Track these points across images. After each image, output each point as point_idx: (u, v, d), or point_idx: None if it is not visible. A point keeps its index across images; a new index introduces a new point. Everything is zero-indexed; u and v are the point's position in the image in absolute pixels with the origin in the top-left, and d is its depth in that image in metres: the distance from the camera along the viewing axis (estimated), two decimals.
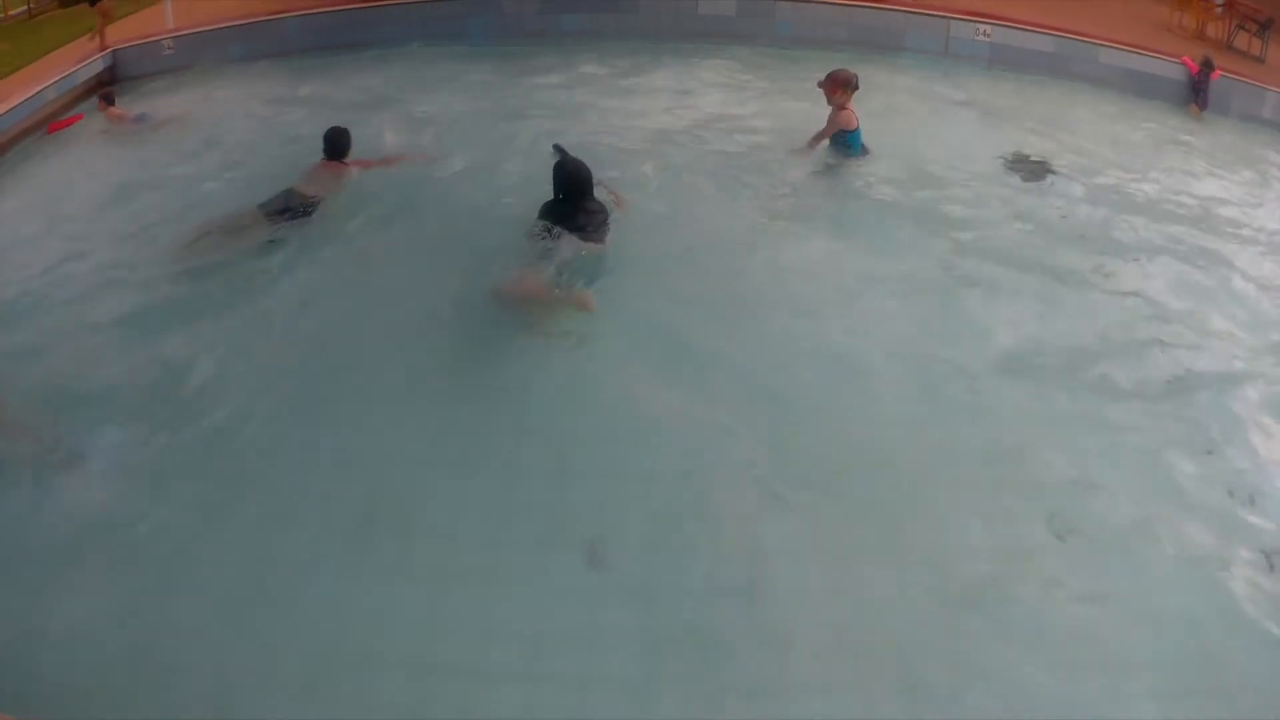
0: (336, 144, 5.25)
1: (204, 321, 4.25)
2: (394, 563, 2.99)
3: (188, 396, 3.79)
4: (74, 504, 3.28)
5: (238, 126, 6.83)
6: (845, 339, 4.02)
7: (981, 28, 7.60)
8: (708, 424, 3.46)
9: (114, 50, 7.65)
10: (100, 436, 3.59)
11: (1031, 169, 5.98)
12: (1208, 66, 7.71)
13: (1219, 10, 9.44)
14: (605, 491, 3.23)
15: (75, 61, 7.95)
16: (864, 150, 5.54)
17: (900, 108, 6.72)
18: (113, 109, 7.05)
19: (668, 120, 6.34)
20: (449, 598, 2.87)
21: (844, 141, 5.47)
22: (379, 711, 2.59)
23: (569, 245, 4.10)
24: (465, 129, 6.25)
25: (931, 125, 6.53)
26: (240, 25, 8.78)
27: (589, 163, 4.46)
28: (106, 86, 7.68)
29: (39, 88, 7.55)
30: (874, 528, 3.10)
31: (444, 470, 3.34)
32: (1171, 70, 7.87)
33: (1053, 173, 5.93)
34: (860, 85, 5.37)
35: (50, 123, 7.34)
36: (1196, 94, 7.71)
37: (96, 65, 8.24)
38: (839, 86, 5.40)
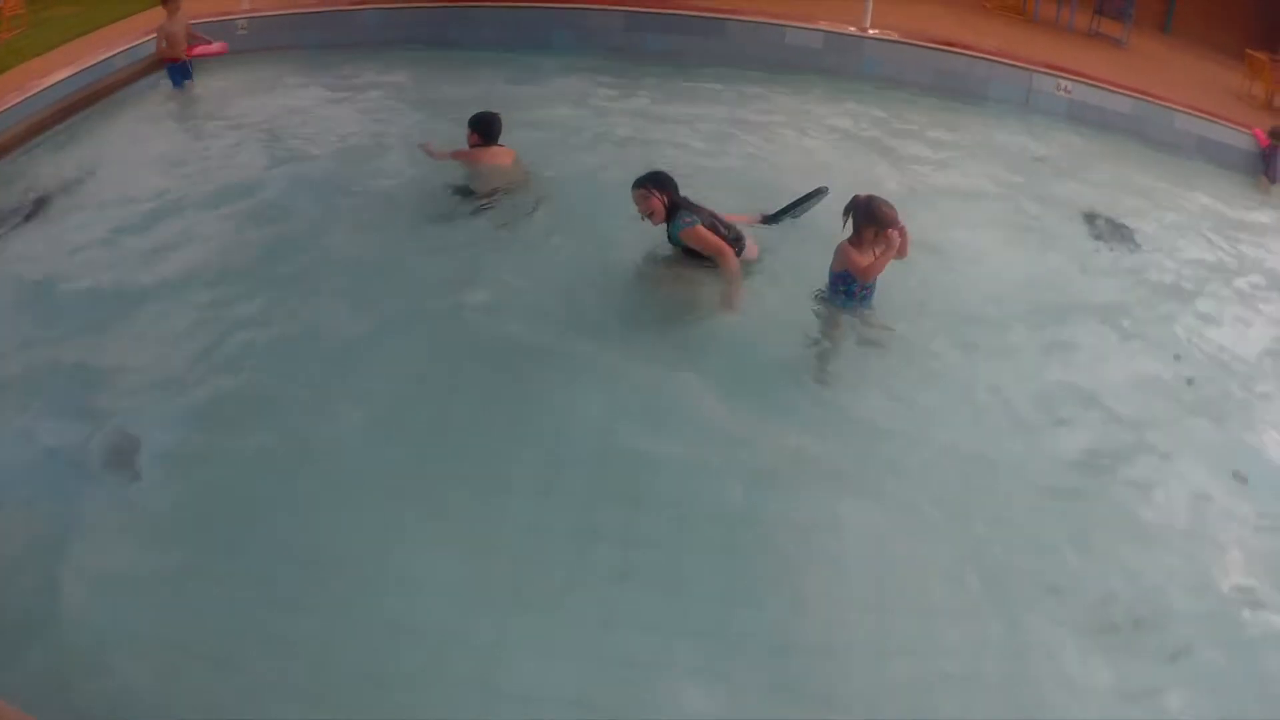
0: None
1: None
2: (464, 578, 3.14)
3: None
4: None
5: (299, 116, 7.15)
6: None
7: (1063, 83, 7.92)
8: None
9: (187, 24, 7.91)
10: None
11: (1106, 227, 6.28)
12: (1277, 137, 8.02)
13: None
14: None
15: (144, 33, 8.17)
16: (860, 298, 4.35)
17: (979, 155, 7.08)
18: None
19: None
20: None
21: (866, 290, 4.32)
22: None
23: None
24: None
25: (1009, 177, 6.83)
26: (318, 13, 9.06)
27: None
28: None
29: (108, 54, 7.87)
30: None
31: None
32: (1242, 140, 8.18)
33: (1127, 231, 6.22)
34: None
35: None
36: (1267, 165, 8.00)
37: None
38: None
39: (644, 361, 4.09)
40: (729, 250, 4.32)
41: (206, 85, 7.87)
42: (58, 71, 7.45)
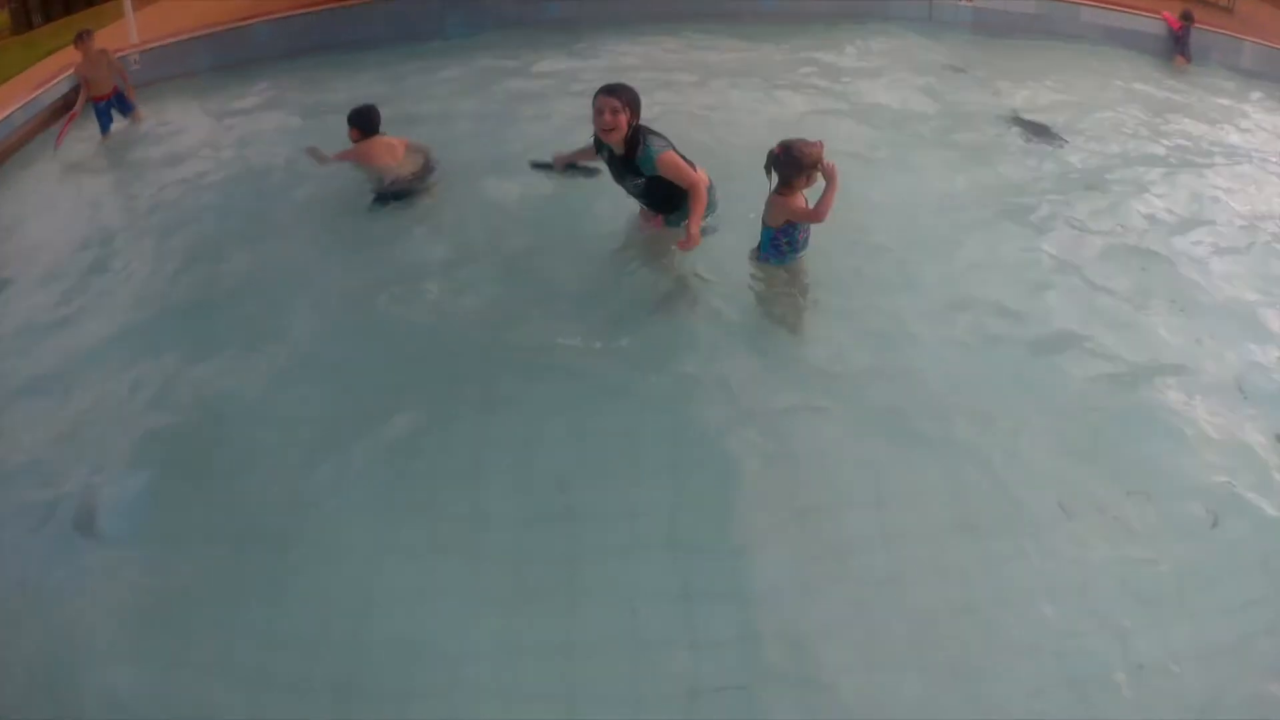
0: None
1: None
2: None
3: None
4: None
5: (211, 140, 6.91)
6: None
7: None
8: None
9: (77, 69, 7.67)
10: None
11: (1031, 128, 6.31)
12: (1188, 19, 8.11)
13: None
14: None
15: (37, 86, 7.90)
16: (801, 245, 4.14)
17: (891, 73, 7.09)
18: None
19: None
20: None
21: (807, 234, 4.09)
22: None
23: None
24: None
25: (928, 89, 6.85)
26: (206, 35, 8.81)
27: None
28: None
29: (4, 113, 7.60)
30: None
31: None
32: (1152, 25, 8.26)
33: (1052, 131, 6.25)
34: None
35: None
36: (1180, 46, 8.09)
37: (61, 86, 8.25)
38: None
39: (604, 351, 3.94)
40: (702, 182, 3.88)
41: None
42: None
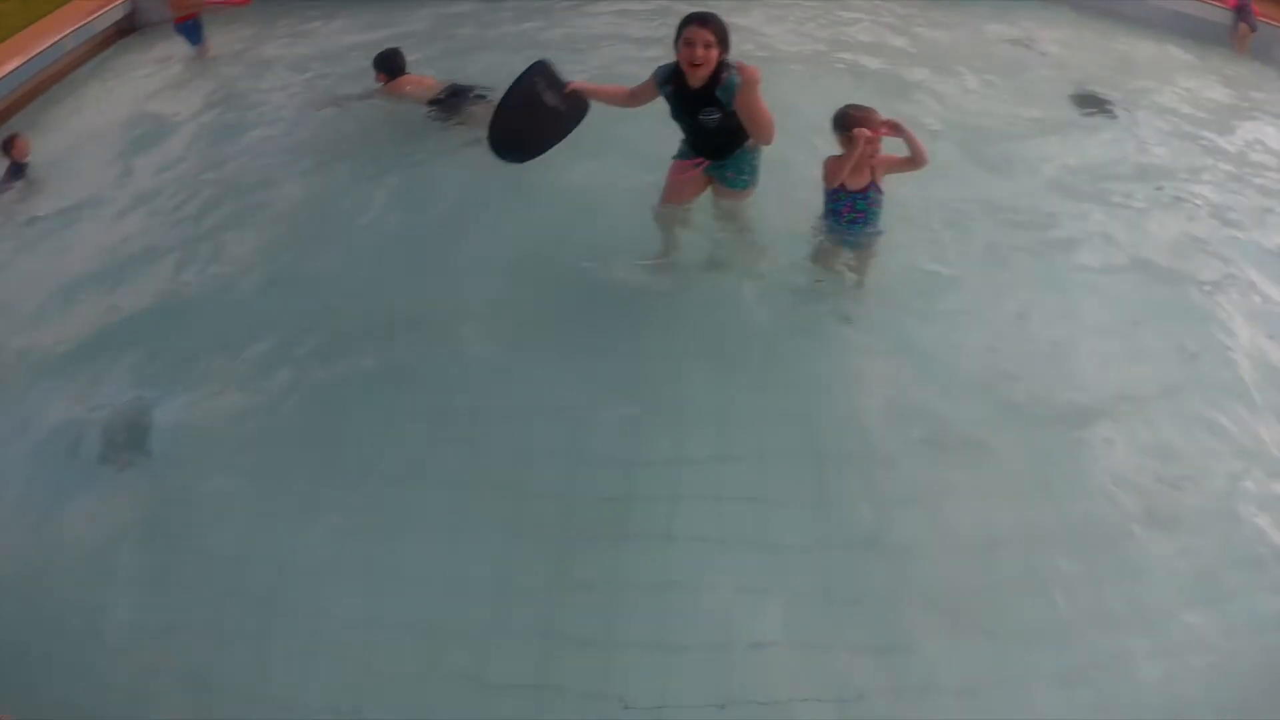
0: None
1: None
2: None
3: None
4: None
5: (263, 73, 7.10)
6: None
7: None
8: None
9: None
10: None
11: (1093, 105, 6.31)
12: None
13: None
14: None
15: (92, 11, 8.07)
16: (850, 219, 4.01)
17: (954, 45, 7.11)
18: None
19: None
20: None
21: (879, 204, 3.97)
22: None
23: None
24: None
25: (990, 63, 6.85)
26: None
27: None
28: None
29: (57, 37, 7.70)
30: None
31: None
32: (1214, 14, 8.21)
33: (1113, 108, 6.25)
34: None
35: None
36: (1242, 15, 8.01)
37: (115, 13, 8.34)
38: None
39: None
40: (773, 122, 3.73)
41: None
42: (6, 63, 7.28)
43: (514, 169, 4.13)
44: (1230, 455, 3.44)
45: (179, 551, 3.19)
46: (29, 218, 5.38)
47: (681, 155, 4.15)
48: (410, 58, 5.99)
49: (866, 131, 3.71)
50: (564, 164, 4.44)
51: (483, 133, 4.11)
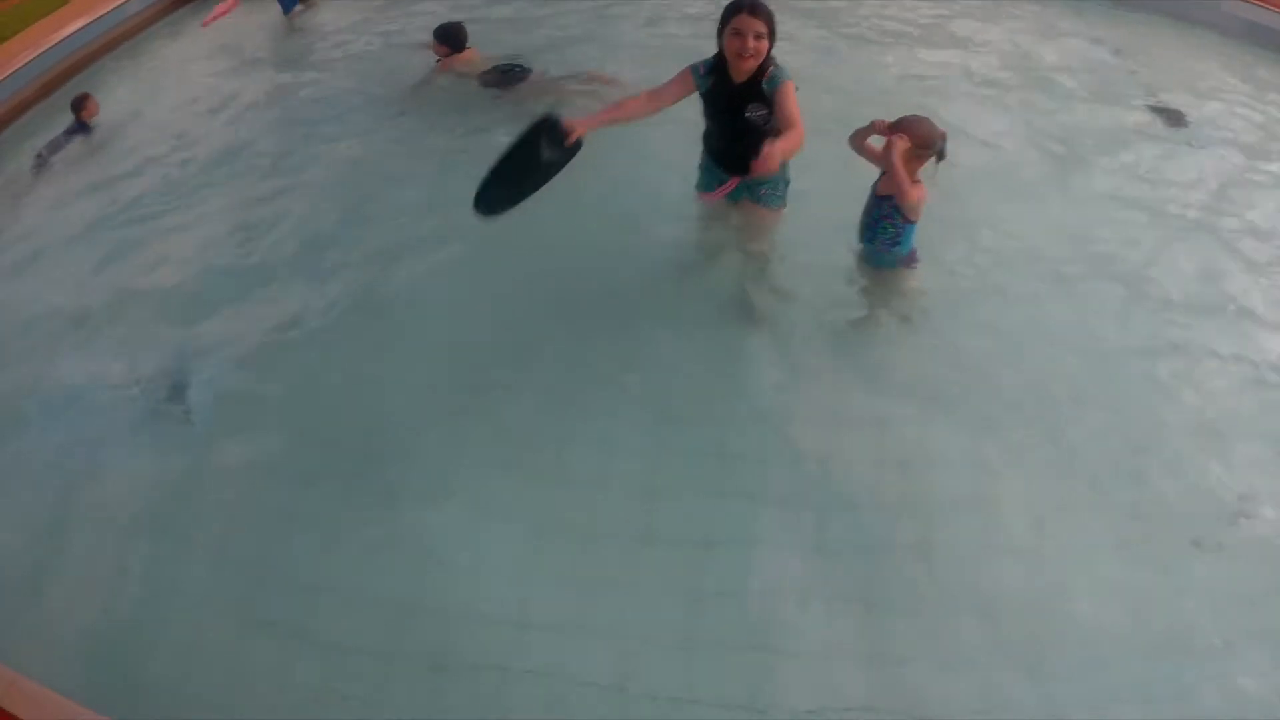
0: None
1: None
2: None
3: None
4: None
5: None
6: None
7: None
8: None
9: None
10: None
11: (1165, 114, 6.14)
12: None
13: None
14: None
15: None
16: (912, 258, 3.90)
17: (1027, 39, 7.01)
18: None
19: None
20: None
21: (896, 227, 3.76)
22: None
23: None
24: None
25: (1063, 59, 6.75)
26: None
27: None
28: None
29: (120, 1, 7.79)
30: None
31: None
32: None
33: (1185, 119, 6.07)
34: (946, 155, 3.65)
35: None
36: None
37: None
38: (919, 145, 3.57)
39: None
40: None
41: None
42: (70, 24, 7.40)
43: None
44: None
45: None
46: (90, 181, 5.50)
47: (706, 185, 3.92)
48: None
49: (884, 122, 3.62)
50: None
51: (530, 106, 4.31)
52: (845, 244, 4.03)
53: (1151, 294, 4.24)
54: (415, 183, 5.05)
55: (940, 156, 3.62)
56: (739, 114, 3.55)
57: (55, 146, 5.76)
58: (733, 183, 3.73)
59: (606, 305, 4.05)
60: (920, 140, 3.55)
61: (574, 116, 3.42)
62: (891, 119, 3.63)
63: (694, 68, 3.59)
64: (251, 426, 3.61)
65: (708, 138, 3.88)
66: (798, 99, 3.44)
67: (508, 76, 5.73)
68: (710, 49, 3.58)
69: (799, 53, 5.75)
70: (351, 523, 3.16)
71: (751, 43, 3.36)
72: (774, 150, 3.05)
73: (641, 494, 3.20)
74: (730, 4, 3.44)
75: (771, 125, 3.49)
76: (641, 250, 4.33)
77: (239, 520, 3.24)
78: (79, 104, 5.88)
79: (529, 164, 3.39)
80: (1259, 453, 3.44)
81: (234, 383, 3.84)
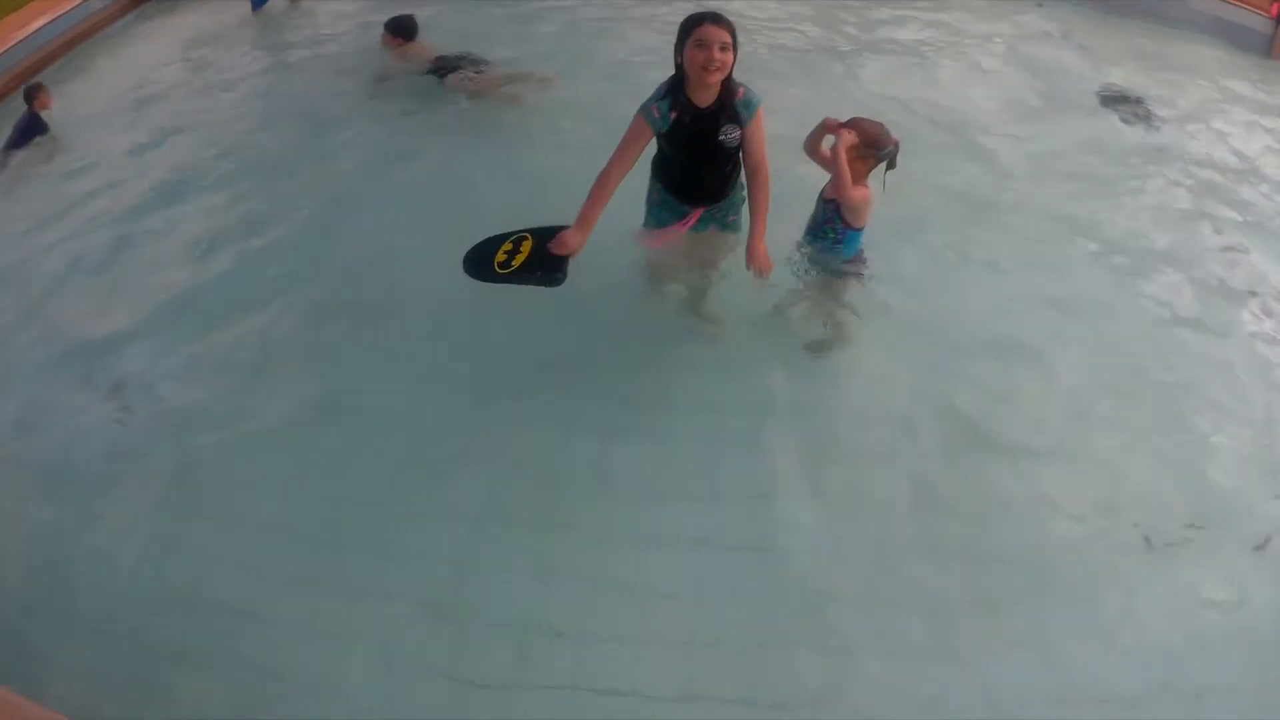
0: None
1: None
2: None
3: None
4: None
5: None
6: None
7: None
8: None
9: None
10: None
11: (1124, 104, 6.19)
12: None
13: None
14: None
15: None
16: (858, 265, 3.82)
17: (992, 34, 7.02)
18: None
19: None
20: None
21: (837, 232, 3.69)
22: None
23: None
24: None
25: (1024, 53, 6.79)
26: None
27: None
28: None
29: None
30: None
31: None
32: (1257, 22, 7.98)
33: (1147, 109, 6.12)
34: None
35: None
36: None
37: None
38: (866, 143, 3.51)
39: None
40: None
41: None
42: (34, 21, 7.33)
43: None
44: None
45: None
46: (48, 176, 5.46)
47: (662, 221, 3.60)
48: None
49: (835, 120, 3.53)
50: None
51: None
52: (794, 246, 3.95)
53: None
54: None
55: (890, 164, 3.55)
56: (710, 139, 3.30)
57: (13, 144, 5.67)
58: (695, 214, 3.53)
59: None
60: (869, 139, 3.48)
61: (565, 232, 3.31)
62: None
63: (645, 110, 3.26)
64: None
65: (665, 169, 3.52)
66: None
67: (446, 66, 5.91)
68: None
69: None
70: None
71: (718, 54, 3.10)
72: (761, 252, 3.35)
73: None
74: (690, 16, 3.17)
75: (732, 155, 3.38)
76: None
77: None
78: (32, 93, 5.70)
79: (511, 264, 3.34)
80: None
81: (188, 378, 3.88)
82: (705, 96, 3.22)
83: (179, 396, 3.76)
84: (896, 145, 3.54)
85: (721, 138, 3.28)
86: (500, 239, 3.39)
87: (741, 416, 3.54)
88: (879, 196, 3.61)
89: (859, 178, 3.53)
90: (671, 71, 3.29)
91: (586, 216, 3.26)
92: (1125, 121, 6.00)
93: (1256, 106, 6.48)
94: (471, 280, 3.44)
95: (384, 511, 3.22)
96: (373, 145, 5.44)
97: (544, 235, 3.31)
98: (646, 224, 3.67)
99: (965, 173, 5.13)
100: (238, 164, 5.33)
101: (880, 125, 3.55)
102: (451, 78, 5.82)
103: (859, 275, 3.84)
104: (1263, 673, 2.86)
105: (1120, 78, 6.50)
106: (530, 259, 3.31)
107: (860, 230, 3.69)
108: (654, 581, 2.98)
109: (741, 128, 3.28)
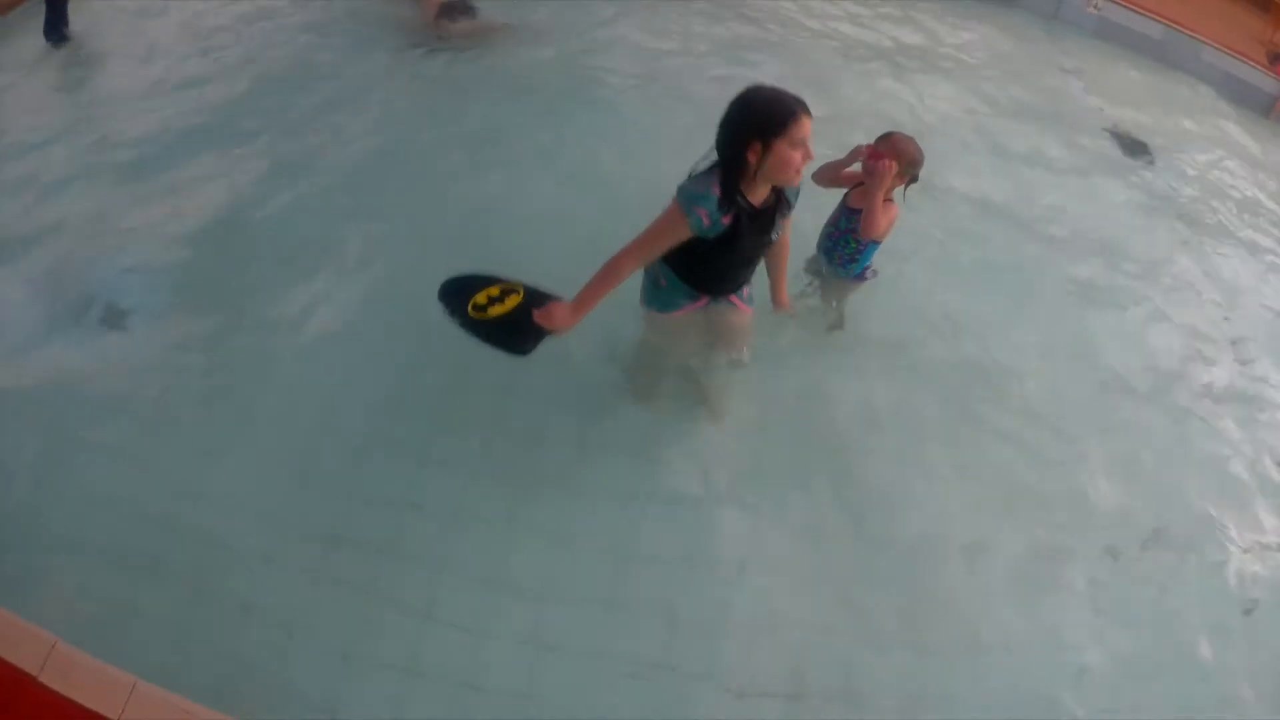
0: None
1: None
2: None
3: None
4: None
5: None
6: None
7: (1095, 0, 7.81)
8: None
9: None
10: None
11: (1127, 144, 6.28)
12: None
13: None
14: None
15: None
16: (870, 272, 3.75)
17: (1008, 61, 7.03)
18: None
19: None
20: None
21: (858, 243, 3.55)
22: None
23: None
24: None
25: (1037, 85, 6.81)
26: None
27: None
28: None
29: None
30: None
31: None
32: (1265, 82, 8.13)
33: (1148, 152, 6.22)
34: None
35: None
36: None
37: None
38: (904, 166, 3.28)
39: None
40: None
41: None
42: None
43: None
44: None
45: None
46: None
47: (673, 304, 3.04)
48: None
49: (867, 146, 3.32)
50: None
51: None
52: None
53: None
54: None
55: (913, 179, 3.37)
56: (765, 238, 2.80)
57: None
58: (706, 299, 3.09)
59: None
60: (909, 161, 3.28)
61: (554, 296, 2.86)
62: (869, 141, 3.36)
63: (690, 213, 2.58)
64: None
65: (690, 268, 2.91)
66: None
67: (451, 10, 5.94)
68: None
69: None
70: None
71: (808, 146, 2.53)
72: (785, 300, 3.40)
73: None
74: (777, 106, 2.49)
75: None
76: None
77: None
78: None
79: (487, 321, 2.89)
80: None
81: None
82: (763, 192, 2.67)
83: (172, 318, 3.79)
84: (923, 158, 3.37)
85: (774, 235, 2.82)
86: (490, 280, 2.97)
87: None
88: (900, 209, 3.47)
89: (887, 195, 3.35)
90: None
91: (587, 301, 2.74)
92: (1124, 158, 6.13)
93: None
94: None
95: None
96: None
97: (534, 298, 2.91)
98: (650, 305, 3.13)
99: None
100: (240, 90, 5.22)
101: (913, 141, 3.34)
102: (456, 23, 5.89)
103: (865, 278, 3.78)
104: None
105: (1125, 117, 6.60)
106: (509, 316, 2.86)
107: (879, 243, 3.58)
108: None
109: (789, 216, 2.85)
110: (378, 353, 3.63)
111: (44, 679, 2.41)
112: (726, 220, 2.60)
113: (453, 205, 4.33)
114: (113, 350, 3.64)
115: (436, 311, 2.89)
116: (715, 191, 2.56)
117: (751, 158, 2.50)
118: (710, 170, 2.60)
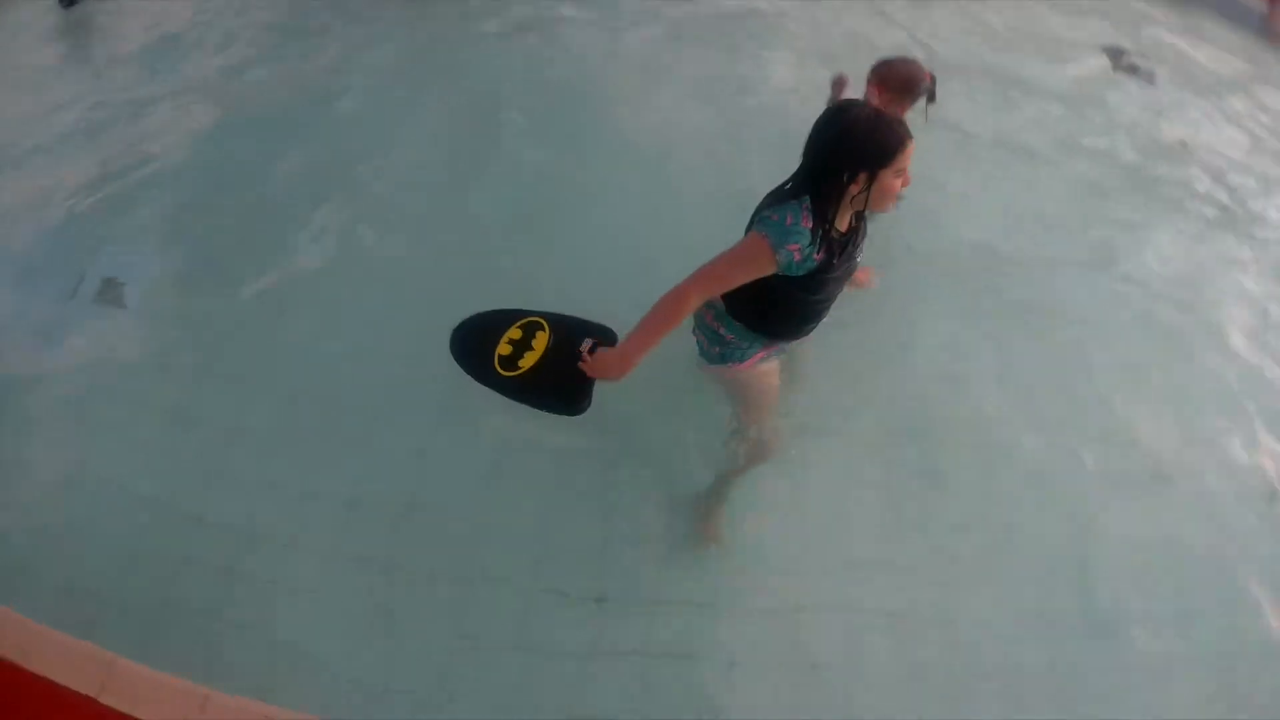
0: None
1: None
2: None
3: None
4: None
5: None
6: None
7: None
8: None
9: None
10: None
11: (1127, 63, 6.30)
12: None
13: None
14: None
15: None
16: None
17: None
18: None
19: None
20: None
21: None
22: None
23: None
24: None
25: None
26: None
27: None
28: None
29: None
30: None
31: None
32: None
33: (1145, 72, 6.25)
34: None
35: None
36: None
37: None
38: (895, 91, 3.05)
39: None
40: None
41: None
42: None
43: None
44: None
45: None
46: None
47: (739, 358, 2.68)
48: None
49: (845, 77, 3.32)
50: None
51: None
52: None
53: None
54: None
55: (930, 98, 3.06)
56: (850, 264, 2.49)
57: None
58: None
59: None
60: (901, 84, 3.01)
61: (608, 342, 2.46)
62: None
63: (778, 248, 2.28)
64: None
65: (765, 315, 2.56)
66: None
67: None
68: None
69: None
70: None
71: (909, 176, 2.34)
72: None
73: None
74: (887, 134, 2.24)
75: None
76: None
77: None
78: None
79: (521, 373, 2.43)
80: None
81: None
82: (847, 218, 2.41)
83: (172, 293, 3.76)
84: (932, 79, 3.07)
85: (857, 258, 2.53)
86: (505, 319, 2.51)
87: None
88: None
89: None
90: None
91: (646, 342, 2.31)
92: (1131, 82, 6.11)
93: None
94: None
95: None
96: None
97: (566, 329, 2.46)
98: (713, 359, 2.74)
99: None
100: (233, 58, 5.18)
101: (911, 63, 3.10)
102: None
103: None
104: None
105: (1125, 41, 6.58)
106: (545, 364, 2.42)
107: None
108: None
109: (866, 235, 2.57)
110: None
111: (105, 700, 2.21)
112: (819, 256, 2.33)
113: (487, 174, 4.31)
114: (109, 326, 3.59)
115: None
116: (806, 224, 2.28)
117: (854, 189, 2.26)
118: (797, 199, 2.32)
